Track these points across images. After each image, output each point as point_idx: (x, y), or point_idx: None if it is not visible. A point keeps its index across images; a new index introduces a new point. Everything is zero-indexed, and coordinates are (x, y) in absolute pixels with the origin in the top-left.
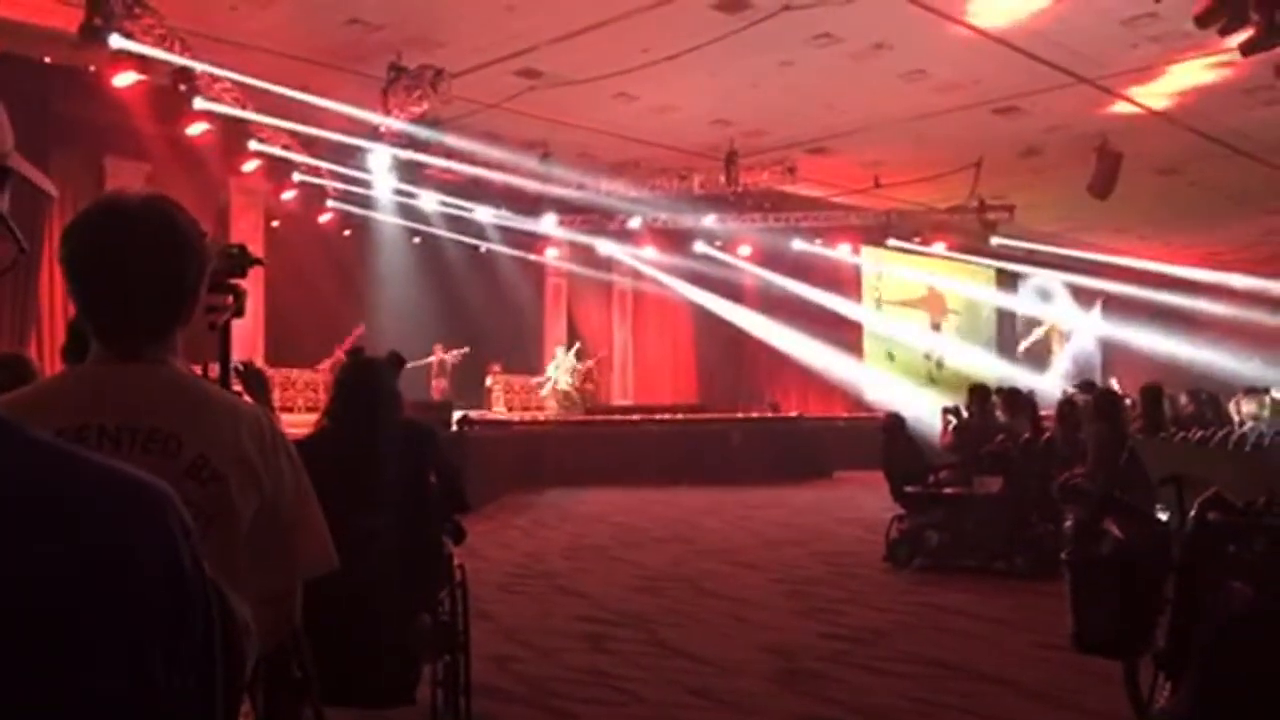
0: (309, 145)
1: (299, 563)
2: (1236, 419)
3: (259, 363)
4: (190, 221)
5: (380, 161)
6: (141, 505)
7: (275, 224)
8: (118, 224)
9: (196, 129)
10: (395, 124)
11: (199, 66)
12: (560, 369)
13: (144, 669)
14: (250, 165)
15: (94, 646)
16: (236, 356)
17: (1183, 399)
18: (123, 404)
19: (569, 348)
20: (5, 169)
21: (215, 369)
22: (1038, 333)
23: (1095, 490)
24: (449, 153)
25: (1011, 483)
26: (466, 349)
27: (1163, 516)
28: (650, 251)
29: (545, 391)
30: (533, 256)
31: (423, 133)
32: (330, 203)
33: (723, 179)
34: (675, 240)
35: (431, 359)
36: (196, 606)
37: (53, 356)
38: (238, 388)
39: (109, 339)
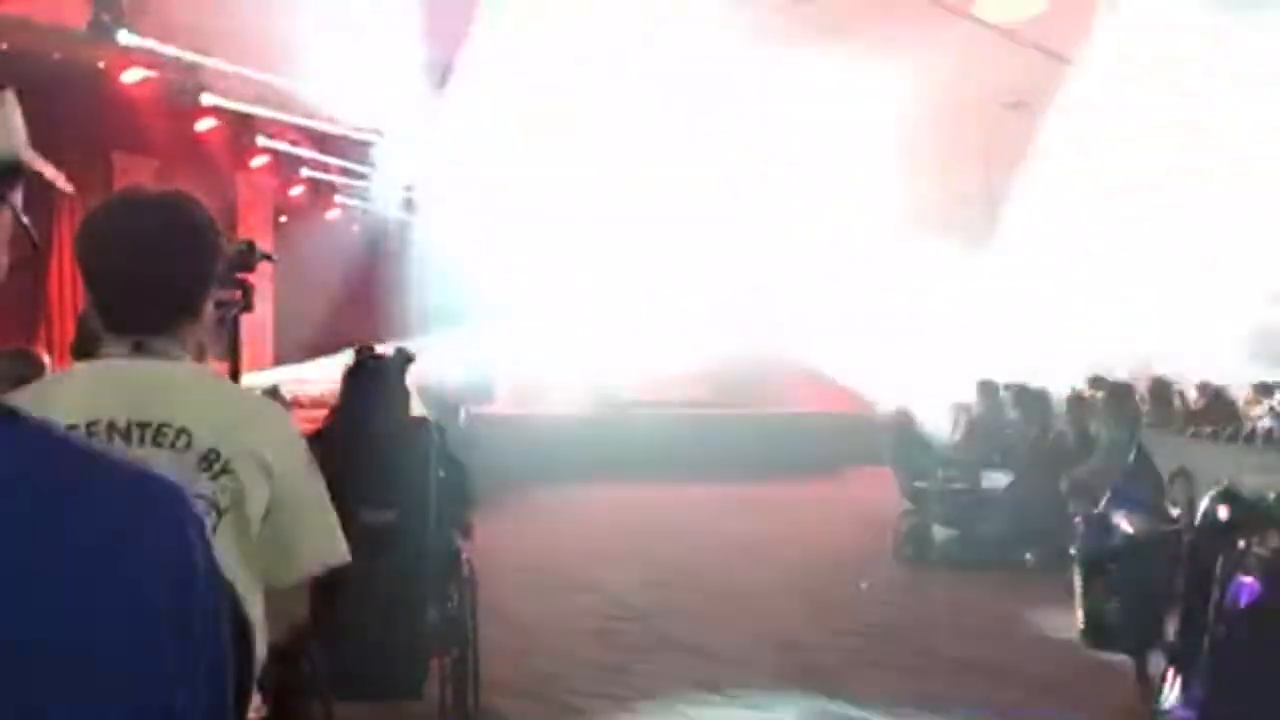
0: (318, 141)
1: (310, 556)
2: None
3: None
4: (206, 217)
5: (388, 157)
6: (153, 502)
7: (283, 219)
8: (133, 219)
9: (205, 125)
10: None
11: (208, 62)
12: None
13: (151, 668)
14: (258, 161)
15: (100, 644)
16: (246, 352)
17: (1192, 393)
18: (133, 399)
19: None
20: (19, 165)
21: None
22: None
23: (1106, 485)
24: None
25: (1020, 478)
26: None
27: (1173, 511)
28: None
29: None
30: None
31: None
32: (338, 198)
33: None
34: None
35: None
36: (207, 605)
37: (62, 352)
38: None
39: (121, 333)
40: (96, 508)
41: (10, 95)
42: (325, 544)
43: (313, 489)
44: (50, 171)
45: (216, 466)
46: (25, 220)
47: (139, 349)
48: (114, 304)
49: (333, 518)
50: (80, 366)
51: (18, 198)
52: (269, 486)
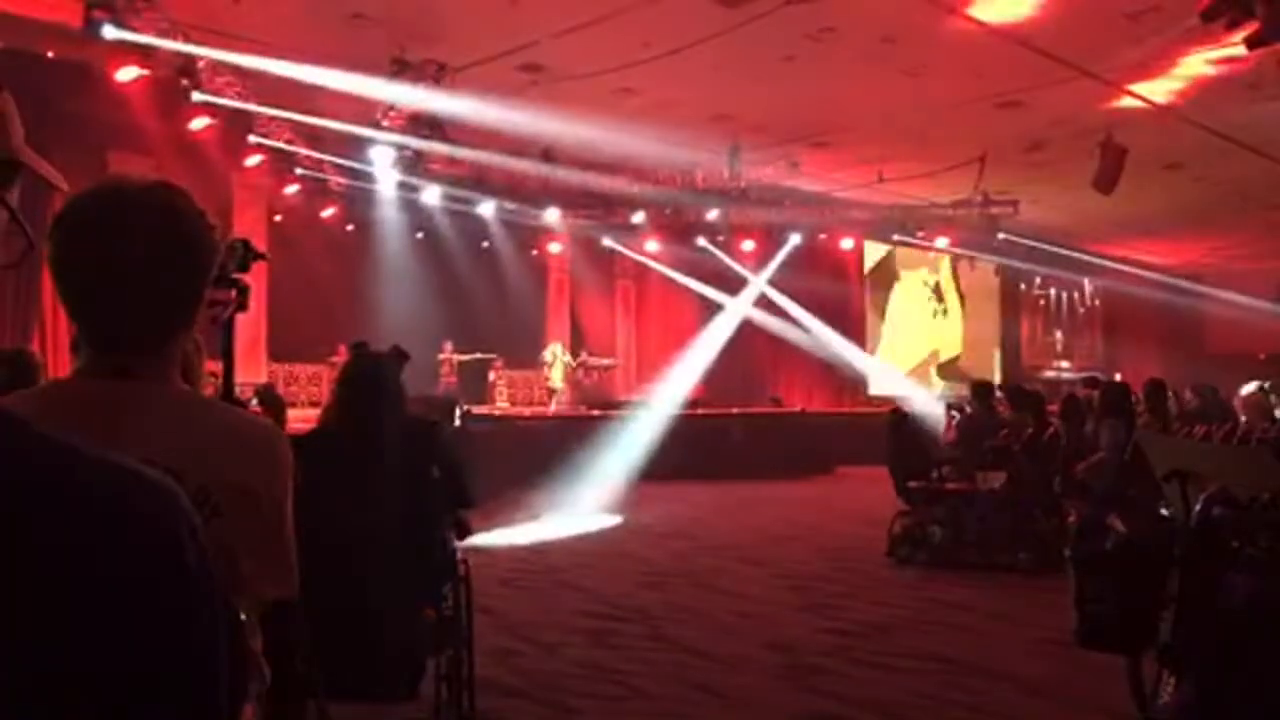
0: (312, 140)
1: (266, 587)
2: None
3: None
4: (198, 213)
5: (383, 156)
6: (146, 500)
7: (278, 219)
8: (115, 214)
9: (199, 124)
10: (399, 116)
11: (202, 52)
12: (556, 364)
13: (143, 666)
14: (253, 160)
15: (91, 642)
16: (240, 351)
17: (1187, 394)
18: (110, 432)
19: (567, 345)
20: (16, 163)
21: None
22: None
23: (1104, 485)
24: (451, 147)
25: (1015, 478)
26: (492, 355)
27: (1167, 512)
28: (653, 246)
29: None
30: (535, 252)
31: (424, 129)
32: (333, 197)
33: (725, 173)
34: (678, 234)
35: (441, 356)
36: (200, 606)
37: (55, 351)
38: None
39: (101, 349)
40: (89, 505)
41: (7, 95)
42: (283, 577)
43: (288, 522)
44: (48, 170)
45: (205, 510)
46: (22, 219)
47: (122, 369)
48: (92, 315)
49: (292, 550)
50: (55, 389)
51: (14, 196)
52: (259, 518)
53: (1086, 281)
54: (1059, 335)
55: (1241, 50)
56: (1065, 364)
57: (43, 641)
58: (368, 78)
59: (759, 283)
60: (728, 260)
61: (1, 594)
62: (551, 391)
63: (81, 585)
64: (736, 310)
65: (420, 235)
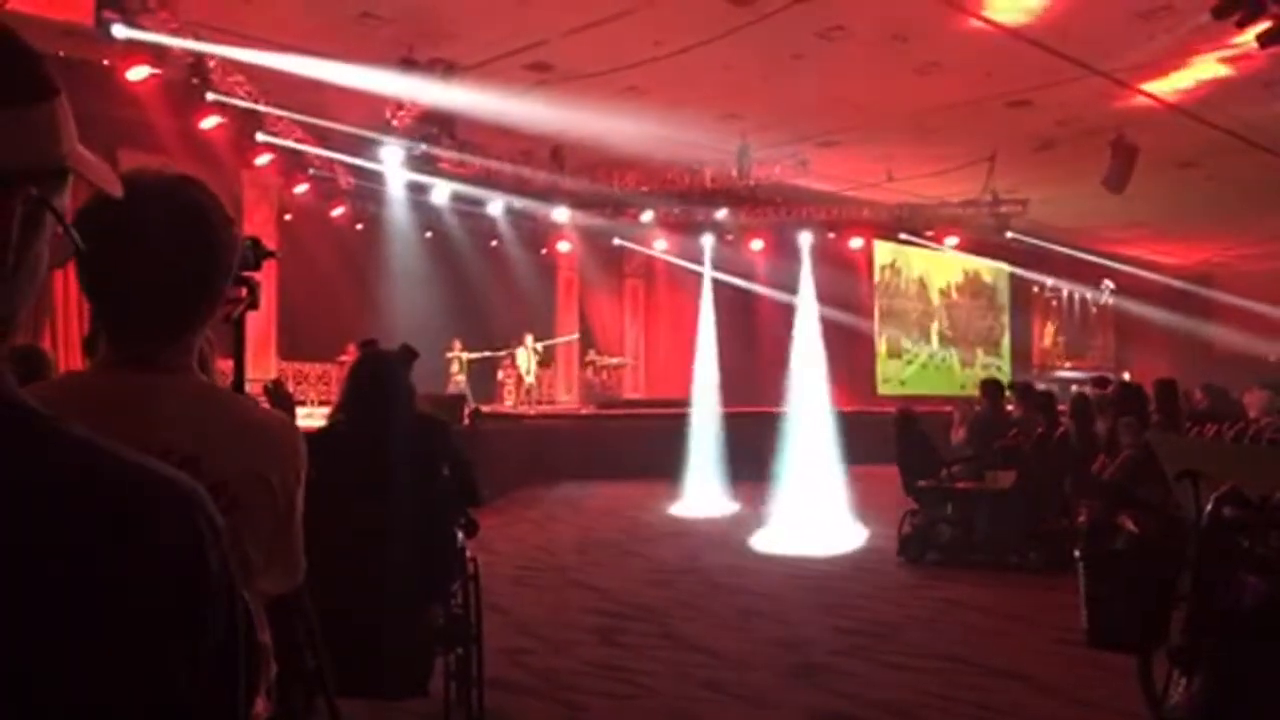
0: (322, 139)
1: (272, 580)
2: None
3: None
4: (218, 206)
5: (392, 155)
6: (169, 502)
7: (288, 217)
8: (136, 208)
9: (209, 122)
10: (408, 116)
11: (212, 48)
12: (530, 360)
13: (162, 666)
14: (263, 159)
15: (113, 641)
16: (249, 350)
17: (1196, 394)
18: (132, 421)
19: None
20: (65, 170)
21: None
22: None
23: (1110, 485)
24: (460, 146)
25: (1024, 478)
26: (501, 354)
27: (1178, 512)
28: (662, 245)
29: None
30: (544, 250)
31: (433, 128)
32: (342, 196)
33: (734, 173)
34: (687, 233)
35: (450, 355)
36: (220, 607)
37: (67, 349)
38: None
39: (121, 340)
40: (110, 506)
41: (62, 100)
42: (290, 570)
43: (298, 516)
44: (100, 175)
45: (222, 501)
46: (68, 224)
47: (142, 360)
48: (113, 308)
49: (300, 543)
50: (74, 379)
51: (63, 202)
52: (272, 510)
53: (1104, 286)
54: (1052, 333)
55: (1254, 48)
56: (1068, 364)
57: (60, 641)
58: (377, 70)
59: (806, 284)
60: (736, 260)
61: (20, 592)
62: (527, 387)
63: (102, 585)
64: (744, 309)
65: (429, 234)
